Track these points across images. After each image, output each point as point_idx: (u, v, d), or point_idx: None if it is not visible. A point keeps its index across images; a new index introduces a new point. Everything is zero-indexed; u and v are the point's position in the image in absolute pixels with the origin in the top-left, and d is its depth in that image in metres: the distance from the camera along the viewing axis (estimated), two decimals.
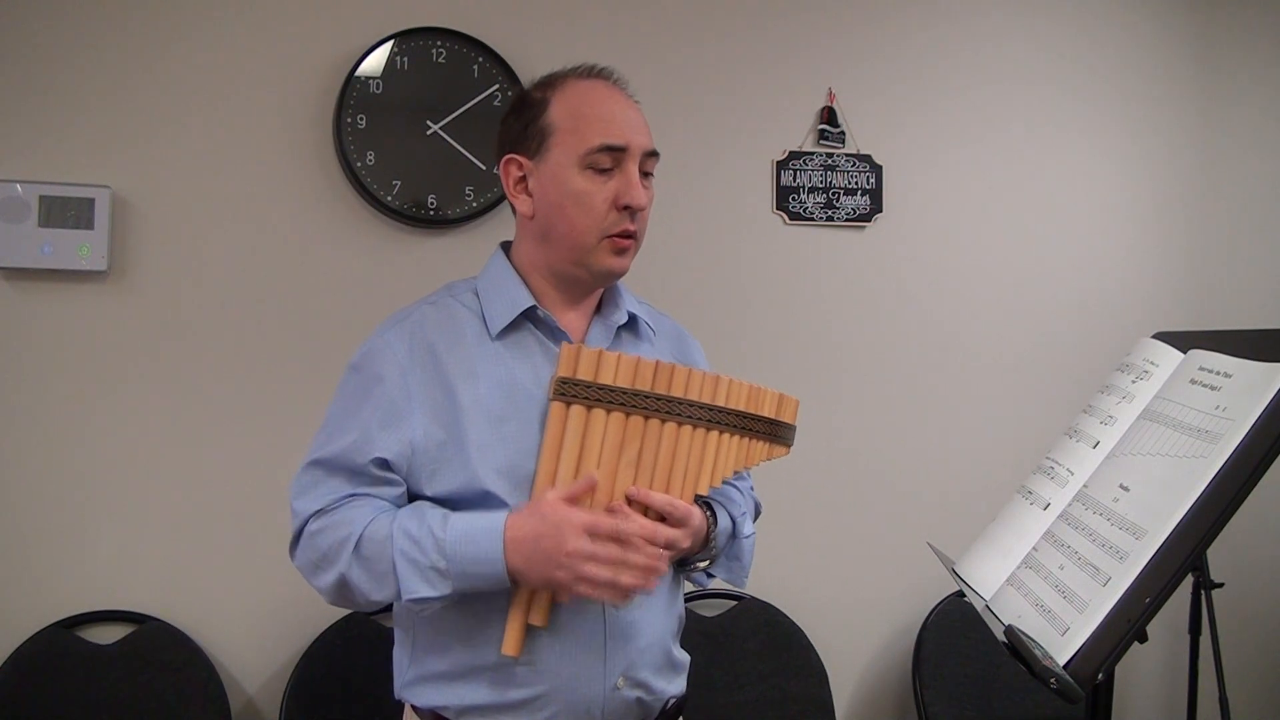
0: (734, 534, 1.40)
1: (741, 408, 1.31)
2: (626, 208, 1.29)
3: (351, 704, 2.13)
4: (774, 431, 1.36)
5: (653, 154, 1.34)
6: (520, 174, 1.34)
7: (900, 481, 2.56)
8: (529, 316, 1.34)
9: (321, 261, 2.23)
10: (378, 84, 2.22)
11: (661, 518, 1.26)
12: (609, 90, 1.34)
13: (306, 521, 1.29)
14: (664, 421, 1.27)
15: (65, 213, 2.05)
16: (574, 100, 1.32)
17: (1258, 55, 2.77)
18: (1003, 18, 2.65)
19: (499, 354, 1.31)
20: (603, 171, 1.29)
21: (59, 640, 2.05)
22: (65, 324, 2.10)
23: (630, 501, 1.25)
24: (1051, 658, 1.03)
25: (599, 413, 1.26)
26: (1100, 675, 0.99)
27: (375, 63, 2.22)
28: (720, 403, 1.30)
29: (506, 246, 1.42)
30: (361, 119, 2.21)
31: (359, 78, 2.21)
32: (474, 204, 2.28)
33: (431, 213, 2.25)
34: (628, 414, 1.26)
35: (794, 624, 2.42)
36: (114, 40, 2.12)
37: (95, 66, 2.11)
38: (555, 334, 1.34)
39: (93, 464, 2.11)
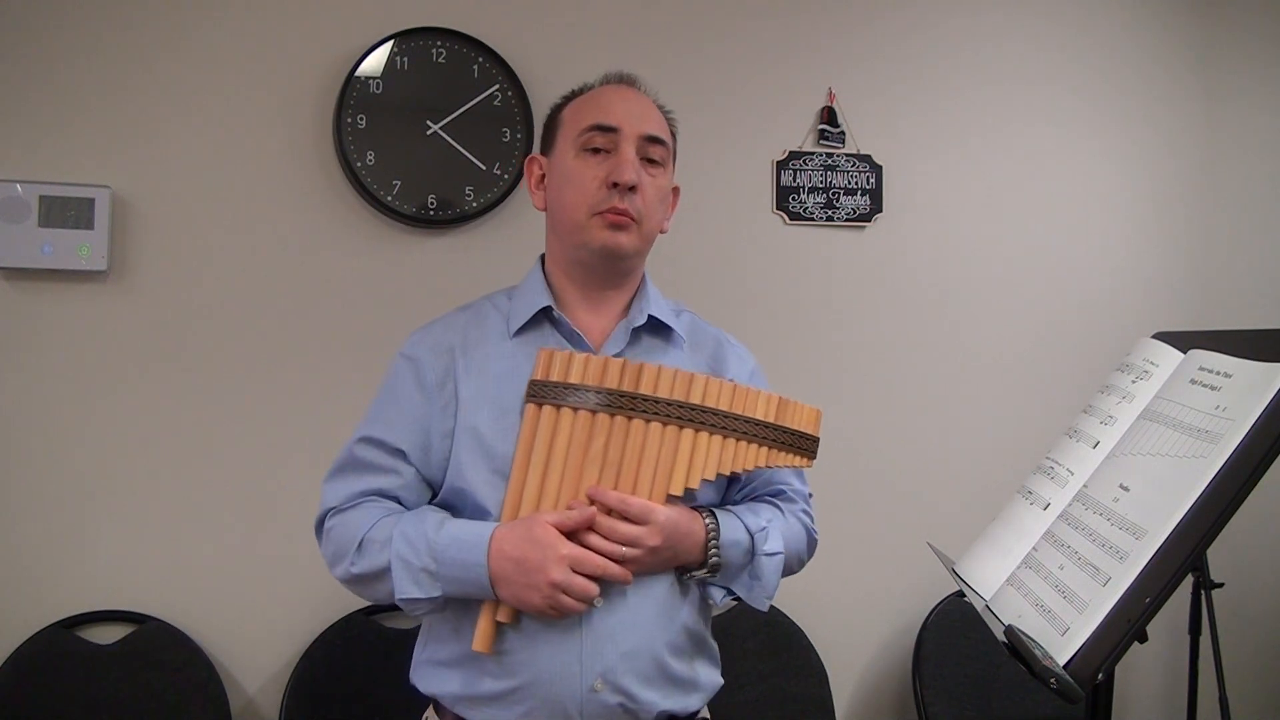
0: (753, 551, 1.35)
1: (723, 408, 1.30)
2: (616, 185, 1.32)
3: (351, 704, 2.13)
4: (773, 437, 1.33)
5: (655, 140, 1.36)
6: (540, 173, 1.43)
7: (900, 481, 2.56)
8: (548, 317, 1.38)
9: (321, 262, 2.23)
10: (378, 84, 2.22)
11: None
12: (616, 86, 1.41)
13: (325, 517, 1.36)
14: (630, 419, 1.28)
15: (65, 213, 2.04)
16: (583, 98, 1.40)
17: (1258, 55, 2.76)
18: (1003, 17, 2.65)
19: (513, 352, 1.36)
20: (597, 152, 1.34)
21: (59, 640, 2.04)
22: (65, 324, 2.10)
23: (592, 502, 1.27)
24: (1051, 658, 1.03)
25: (566, 411, 1.29)
26: (1100, 675, 0.99)
27: (375, 63, 2.22)
28: (696, 401, 1.29)
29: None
30: (361, 119, 2.21)
31: (359, 78, 2.21)
32: (474, 204, 2.28)
33: (431, 213, 2.25)
34: (594, 412, 1.28)
35: (794, 624, 2.42)
36: (114, 40, 2.12)
37: (95, 66, 2.11)
38: (572, 335, 1.37)
39: (93, 464, 2.11)
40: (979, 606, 1.25)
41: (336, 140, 2.20)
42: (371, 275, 2.25)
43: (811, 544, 1.50)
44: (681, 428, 1.29)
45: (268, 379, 2.20)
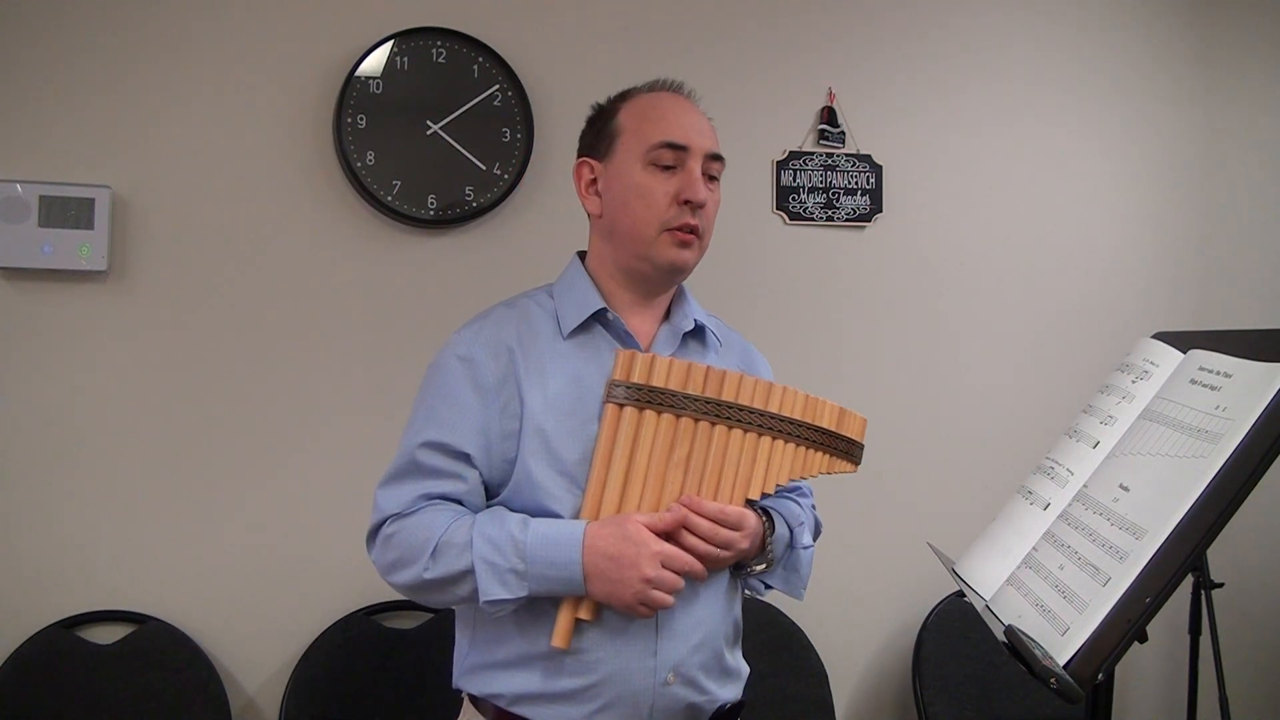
0: (791, 544, 1.42)
1: (797, 416, 1.34)
2: (687, 202, 1.35)
3: (351, 704, 2.13)
4: (834, 444, 1.37)
5: (716, 157, 1.40)
6: (591, 176, 1.42)
7: (900, 481, 2.56)
8: (599, 319, 1.39)
9: (321, 261, 2.23)
10: (378, 84, 2.22)
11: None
12: (674, 97, 1.43)
13: (383, 523, 1.32)
14: (714, 424, 1.30)
15: (65, 213, 2.04)
16: (641, 105, 1.41)
17: (1259, 54, 2.77)
18: (1003, 17, 2.65)
19: (569, 353, 1.36)
20: (665, 169, 1.36)
21: (59, 640, 2.04)
22: (65, 324, 2.10)
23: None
24: (1051, 658, 1.03)
25: (650, 414, 1.29)
26: (1100, 675, 0.99)
27: (375, 63, 2.22)
28: (774, 409, 1.32)
29: (583, 255, 1.48)
30: (361, 119, 2.21)
31: (359, 78, 2.21)
32: (474, 204, 2.28)
33: (431, 213, 2.25)
34: (678, 416, 1.29)
35: (794, 624, 2.42)
36: (114, 40, 2.12)
37: (95, 66, 2.11)
38: (624, 337, 1.38)
39: (93, 464, 2.11)
40: (979, 606, 1.25)
41: (336, 140, 2.20)
42: (371, 275, 2.25)
43: (818, 535, 1.57)
44: (760, 435, 1.32)
45: (267, 379, 2.20)
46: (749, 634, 2.38)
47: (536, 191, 2.32)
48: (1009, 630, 1.11)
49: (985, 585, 1.26)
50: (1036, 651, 1.04)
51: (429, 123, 2.26)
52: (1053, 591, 1.12)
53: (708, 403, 1.29)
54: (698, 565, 1.26)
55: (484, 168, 2.28)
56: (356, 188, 2.22)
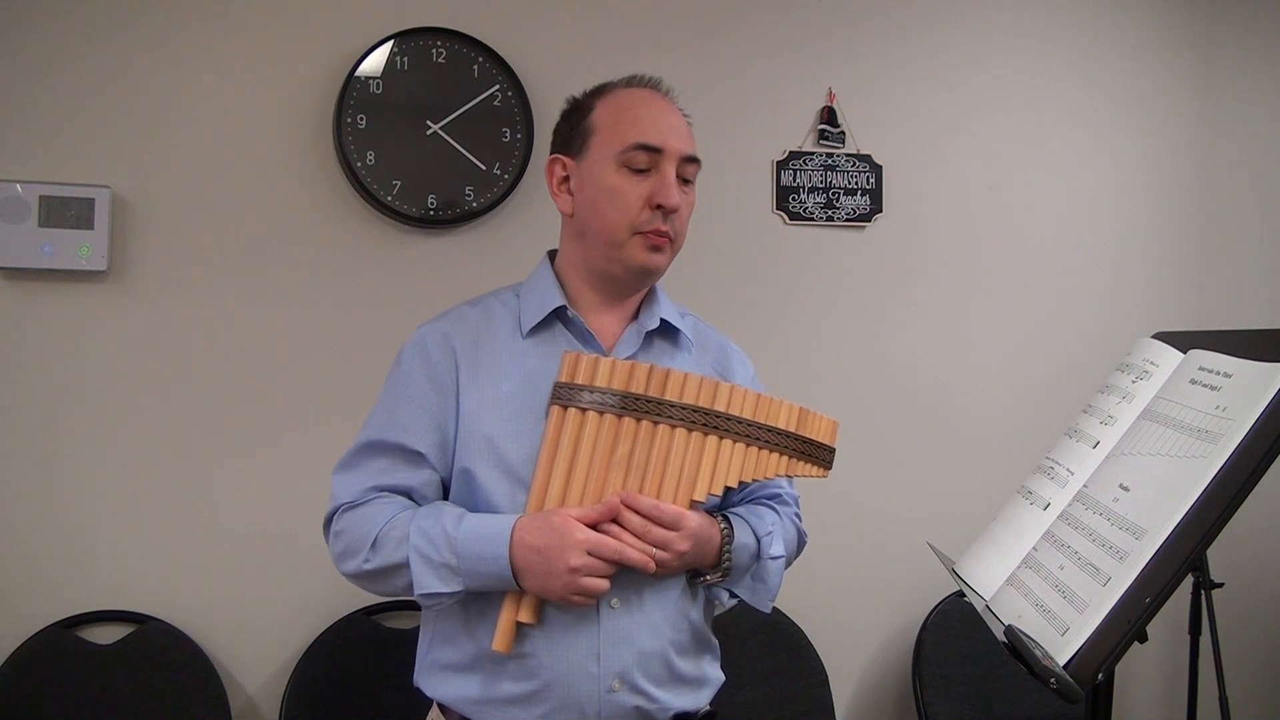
0: (759, 554, 1.38)
1: (747, 415, 1.31)
2: (659, 207, 1.33)
3: (351, 704, 2.13)
4: (792, 445, 1.33)
5: (692, 160, 1.37)
6: (563, 174, 1.40)
7: (900, 482, 2.56)
8: (560, 317, 1.38)
9: (321, 262, 2.23)
10: (378, 84, 2.22)
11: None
12: (651, 95, 1.39)
13: (335, 513, 1.35)
14: (656, 424, 1.29)
15: (65, 213, 2.05)
16: (616, 103, 1.38)
17: (1259, 54, 2.76)
18: (1003, 17, 2.65)
19: (526, 352, 1.36)
20: (639, 171, 1.34)
21: (59, 640, 2.04)
22: (65, 324, 2.10)
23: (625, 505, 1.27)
24: (1051, 658, 1.03)
25: (592, 415, 1.29)
26: (1100, 675, 0.99)
27: (375, 63, 2.22)
28: (720, 408, 1.30)
29: (554, 254, 1.47)
30: (361, 119, 2.21)
31: (359, 78, 2.21)
32: (474, 204, 2.28)
33: (431, 213, 2.25)
34: (619, 416, 1.29)
35: (794, 624, 2.42)
36: (113, 40, 2.12)
37: (95, 66, 2.11)
38: (585, 336, 1.38)
39: (93, 464, 2.11)
40: (979, 606, 1.25)
41: (336, 140, 2.20)
42: (371, 275, 2.25)
43: (802, 545, 1.54)
44: (706, 434, 1.30)
45: (267, 379, 2.20)
46: (749, 634, 2.41)
47: (536, 192, 2.32)
48: (1009, 630, 1.11)
49: (985, 585, 1.26)
50: (1036, 651, 1.04)
51: (429, 123, 2.26)
52: (1053, 591, 1.12)
53: (649, 401, 1.28)
54: (629, 551, 1.23)
55: (484, 168, 2.28)
56: (356, 188, 2.22)
